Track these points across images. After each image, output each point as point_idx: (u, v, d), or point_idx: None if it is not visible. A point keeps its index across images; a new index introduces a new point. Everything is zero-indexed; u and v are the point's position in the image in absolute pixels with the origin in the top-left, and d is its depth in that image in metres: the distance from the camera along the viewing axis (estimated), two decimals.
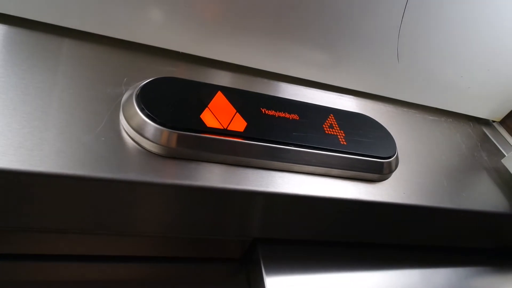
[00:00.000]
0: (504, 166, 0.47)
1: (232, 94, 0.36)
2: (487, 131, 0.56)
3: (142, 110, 0.31)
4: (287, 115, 0.37)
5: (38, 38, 0.36)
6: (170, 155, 0.31)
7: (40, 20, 0.36)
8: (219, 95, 0.36)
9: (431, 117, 0.53)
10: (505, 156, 0.49)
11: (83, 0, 0.36)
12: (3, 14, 0.35)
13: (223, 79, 0.42)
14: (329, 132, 0.38)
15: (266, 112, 0.37)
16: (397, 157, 0.40)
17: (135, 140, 0.31)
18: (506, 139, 0.56)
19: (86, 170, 0.28)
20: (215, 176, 0.32)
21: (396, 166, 0.40)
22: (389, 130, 0.42)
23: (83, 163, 0.28)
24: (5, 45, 0.34)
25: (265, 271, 0.37)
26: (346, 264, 0.41)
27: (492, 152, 0.52)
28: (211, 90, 0.36)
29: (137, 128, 0.31)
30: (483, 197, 0.44)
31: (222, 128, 0.33)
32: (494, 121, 0.59)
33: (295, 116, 0.38)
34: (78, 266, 0.37)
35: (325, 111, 0.40)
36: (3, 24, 0.35)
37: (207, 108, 0.34)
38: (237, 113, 0.35)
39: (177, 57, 0.41)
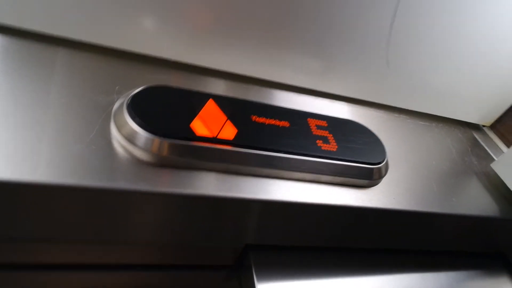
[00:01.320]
0: (493, 171, 0.48)
1: (223, 102, 0.37)
2: (477, 136, 0.57)
3: (133, 118, 0.31)
4: (278, 122, 0.38)
5: (30, 48, 0.36)
6: (161, 163, 0.32)
7: (32, 29, 0.36)
8: (211, 103, 0.36)
9: (422, 123, 0.54)
10: (494, 160, 0.49)
11: (75, 9, 0.36)
12: None
13: (216, 86, 0.43)
14: (319, 139, 0.38)
15: (257, 119, 0.37)
16: (387, 162, 0.41)
17: (126, 148, 0.31)
18: (496, 144, 0.57)
19: (77, 179, 0.28)
20: (205, 184, 0.32)
21: (386, 172, 0.41)
22: (380, 136, 0.43)
23: (73, 172, 0.28)
24: None
25: (257, 277, 0.37)
26: (337, 269, 0.41)
27: (482, 156, 0.53)
28: (202, 98, 0.36)
29: (128, 137, 0.31)
30: (473, 201, 0.45)
31: (212, 136, 0.33)
32: (484, 126, 0.60)
33: (285, 123, 0.38)
34: (71, 275, 0.37)
35: (315, 118, 0.40)
36: None
37: (197, 116, 0.34)
38: (228, 121, 0.35)
39: (170, 65, 0.41)
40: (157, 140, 0.31)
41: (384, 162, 0.40)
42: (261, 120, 0.37)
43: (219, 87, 0.43)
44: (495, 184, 0.48)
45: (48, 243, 0.34)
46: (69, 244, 0.34)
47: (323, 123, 0.40)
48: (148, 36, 0.40)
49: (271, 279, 0.38)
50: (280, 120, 0.38)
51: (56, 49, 0.37)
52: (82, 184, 0.28)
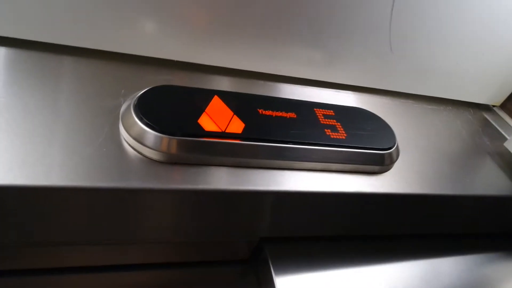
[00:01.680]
0: (507, 149, 0.47)
1: (228, 97, 0.37)
2: (488, 116, 0.56)
3: (140, 119, 0.32)
4: (284, 114, 0.38)
5: (36, 57, 0.37)
6: (171, 161, 0.32)
7: (36, 40, 0.37)
8: (216, 99, 0.36)
9: (429, 107, 0.53)
10: (507, 139, 0.48)
11: (76, 18, 0.37)
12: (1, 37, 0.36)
13: (220, 83, 0.43)
14: (327, 128, 0.38)
15: (263, 112, 0.37)
16: (397, 147, 0.41)
17: (136, 148, 0.32)
18: (508, 123, 0.56)
19: (90, 181, 0.29)
20: (216, 179, 0.32)
21: (397, 157, 0.41)
22: (388, 122, 0.42)
23: (86, 175, 0.29)
24: (5, 67, 0.35)
25: (274, 270, 0.37)
26: (353, 257, 0.41)
27: (494, 136, 0.52)
28: (207, 94, 0.37)
29: (137, 137, 0.31)
30: (488, 181, 0.44)
31: (220, 131, 0.33)
32: (494, 106, 0.59)
33: (292, 115, 0.38)
34: (87, 277, 0.37)
35: (321, 108, 0.40)
36: (1, 46, 0.36)
37: (204, 113, 0.34)
38: (235, 115, 0.35)
39: (173, 65, 0.42)
40: (165, 138, 0.31)
41: (394, 147, 0.40)
42: (268, 113, 0.37)
43: (223, 84, 0.43)
44: (509, 163, 0.47)
45: (66, 246, 0.34)
46: (83, 246, 0.35)
47: (330, 112, 0.40)
48: (149, 39, 0.40)
49: (288, 271, 0.38)
50: (287, 112, 0.38)
51: (61, 57, 0.38)
52: (95, 186, 0.29)
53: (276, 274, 0.37)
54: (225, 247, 0.40)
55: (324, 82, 0.48)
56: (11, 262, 0.34)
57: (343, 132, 0.38)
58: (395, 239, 0.44)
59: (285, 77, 0.46)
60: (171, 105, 0.34)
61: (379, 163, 0.38)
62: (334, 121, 0.39)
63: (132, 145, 0.32)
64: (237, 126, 0.34)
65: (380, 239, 0.44)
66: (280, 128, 0.36)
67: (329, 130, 0.38)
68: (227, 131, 0.33)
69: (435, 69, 0.51)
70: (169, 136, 0.31)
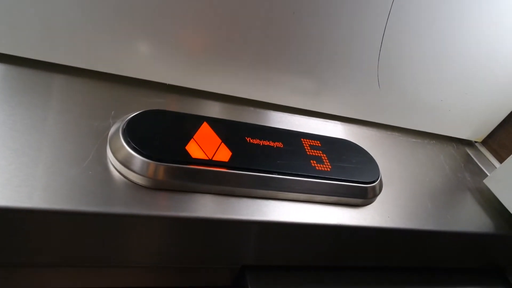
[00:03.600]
0: (486, 186, 0.49)
1: (217, 124, 0.37)
2: (470, 152, 0.58)
3: (128, 143, 0.32)
4: (272, 143, 0.38)
5: (25, 75, 0.37)
6: (157, 187, 0.32)
7: (27, 57, 0.37)
8: (205, 126, 0.37)
9: (414, 140, 0.54)
10: (487, 176, 0.50)
11: (70, 36, 0.37)
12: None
13: (210, 109, 0.43)
14: (313, 159, 0.39)
15: (251, 141, 0.38)
16: (380, 181, 0.41)
17: (122, 173, 0.32)
18: (488, 159, 0.58)
19: (74, 205, 0.28)
20: (201, 207, 0.33)
21: (380, 190, 0.41)
22: (373, 154, 0.43)
23: (70, 198, 0.29)
24: None
25: None
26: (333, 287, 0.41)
27: (475, 172, 0.54)
28: (196, 121, 0.37)
29: (124, 161, 0.32)
30: (468, 218, 0.45)
31: (207, 158, 0.33)
32: (476, 142, 0.61)
33: (279, 144, 0.39)
34: None
35: (308, 138, 0.41)
36: None
37: (192, 139, 0.35)
38: (222, 143, 0.36)
39: (164, 88, 0.42)
40: (152, 164, 0.32)
41: (377, 181, 0.40)
42: (256, 141, 0.38)
43: (213, 110, 0.44)
44: (488, 200, 0.48)
45: (46, 268, 0.34)
46: (66, 268, 0.34)
47: (317, 143, 0.41)
48: (143, 61, 0.40)
49: None
50: (274, 141, 0.39)
51: (52, 75, 0.38)
52: (78, 209, 0.29)
53: None
54: (206, 273, 0.40)
55: (313, 111, 0.49)
56: None
57: (328, 164, 0.39)
58: (376, 270, 0.44)
59: (275, 105, 0.47)
60: (160, 130, 0.34)
61: (362, 196, 0.39)
62: (320, 152, 0.40)
63: (118, 169, 0.32)
64: (224, 154, 0.35)
65: (361, 270, 0.44)
66: (267, 157, 0.36)
67: (314, 162, 0.38)
68: (214, 159, 0.34)
69: (420, 105, 0.52)
70: (156, 162, 0.32)
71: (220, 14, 0.38)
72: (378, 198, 0.41)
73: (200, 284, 0.42)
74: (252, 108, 0.46)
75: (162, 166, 0.32)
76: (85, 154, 0.32)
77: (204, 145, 0.35)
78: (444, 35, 0.46)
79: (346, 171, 0.39)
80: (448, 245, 0.45)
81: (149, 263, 0.36)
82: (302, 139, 0.41)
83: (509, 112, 0.56)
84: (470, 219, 0.45)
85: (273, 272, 0.40)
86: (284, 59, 0.44)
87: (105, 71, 0.40)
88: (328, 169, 0.38)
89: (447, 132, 0.57)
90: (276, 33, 0.41)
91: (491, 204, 0.48)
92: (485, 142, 0.60)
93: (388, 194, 0.42)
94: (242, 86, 0.45)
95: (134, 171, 0.31)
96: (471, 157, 0.57)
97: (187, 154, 0.33)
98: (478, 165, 0.55)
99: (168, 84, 0.42)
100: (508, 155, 0.47)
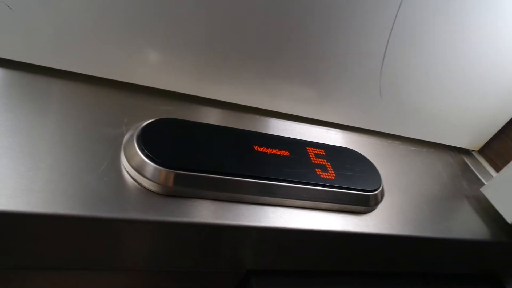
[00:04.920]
0: (483, 195, 0.50)
1: (226, 133, 0.39)
2: (467, 160, 0.60)
3: (142, 150, 0.33)
4: (278, 152, 0.40)
5: (39, 82, 0.38)
6: (168, 193, 0.33)
7: (43, 64, 0.38)
8: (216, 134, 0.38)
9: (413, 148, 0.56)
10: (484, 184, 0.51)
11: (82, 45, 0.38)
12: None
13: (219, 116, 0.45)
14: (318, 167, 0.40)
15: (259, 149, 0.39)
16: (382, 189, 0.43)
17: (136, 179, 0.33)
18: (485, 168, 0.60)
19: (89, 211, 0.29)
20: (210, 213, 0.34)
21: (382, 198, 0.43)
22: (374, 162, 0.45)
23: (86, 204, 0.30)
24: (8, 89, 0.36)
25: None
26: None
27: (472, 180, 0.55)
28: (207, 129, 0.38)
29: (137, 168, 0.33)
30: (465, 225, 0.47)
31: (218, 166, 0.35)
32: (473, 150, 0.62)
33: (286, 153, 0.40)
34: None
35: (313, 147, 0.42)
36: (7, 68, 0.37)
37: (203, 147, 0.36)
38: (232, 152, 0.37)
39: (173, 97, 0.43)
40: (164, 171, 0.33)
41: (380, 189, 0.42)
42: (263, 149, 0.39)
43: (221, 117, 0.45)
44: (485, 208, 0.50)
45: (60, 272, 0.35)
46: (79, 272, 0.35)
47: (321, 152, 0.42)
48: (154, 70, 0.42)
49: None
50: (281, 149, 0.40)
51: (67, 83, 0.39)
52: (94, 215, 0.30)
53: None
54: (212, 277, 0.41)
55: (316, 120, 0.51)
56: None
57: (333, 172, 0.40)
58: (378, 276, 0.46)
59: (280, 113, 0.49)
60: (172, 138, 0.35)
61: (365, 204, 0.40)
62: (325, 160, 0.41)
63: (132, 175, 0.33)
64: (233, 162, 0.36)
65: (364, 275, 0.45)
66: (274, 165, 0.38)
67: (319, 170, 0.40)
68: (223, 166, 0.35)
69: (420, 114, 0.54)
70: (168, 169, 0.33)
71: (228, 26, 0.40)
72: (380, 206, 0.42)
73: None
74: (257, 116, 0.47)
75: (173, 173, 0.33)
76: (100, 160, 0.33)
77: (215, 153, 0.36)
78: (444, 47, 0.47)
79: (350, 180, 0.40)
80: (445, 251, 0.46)
81: (158, 267, 0.37)
82: (307, 148, 0.42)
83: (505, 122, 0.58)
84: (467, 226, 0.47)
85: (278, 276, 0.41)
86: (289, 69, 0.45)
87: (116, 79, 0.41)
88: (333, 177, 0.40)
89: (445, 141, 0.59)
90: (281, 44, 0.43)
91: (488, 212, 0.50)
92: (482, 151, 0.62)
93: (389, 201, 0.44)
94: (248, 95, 0.46)
95: (147, 178, 0.32)
96: (468, 166, 0.58)
97: (198, 162, 0.34)
98: (475, 173, 0.57)
99: (178, 92, 0.43)
100: (504, 164, 0.49)
